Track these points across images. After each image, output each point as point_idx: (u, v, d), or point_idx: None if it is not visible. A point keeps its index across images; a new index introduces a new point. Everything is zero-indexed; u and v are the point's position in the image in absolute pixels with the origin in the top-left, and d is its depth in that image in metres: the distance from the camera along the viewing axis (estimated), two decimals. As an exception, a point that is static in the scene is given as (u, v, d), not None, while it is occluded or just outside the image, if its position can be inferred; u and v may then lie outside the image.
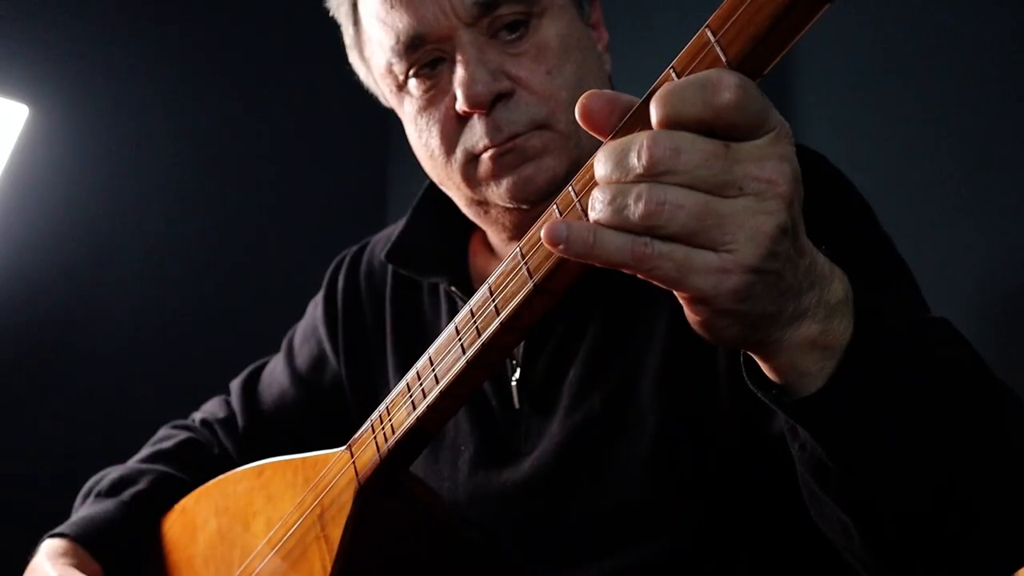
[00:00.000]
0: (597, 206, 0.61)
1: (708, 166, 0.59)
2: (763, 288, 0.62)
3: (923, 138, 1.93)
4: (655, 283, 0.62)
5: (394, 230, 1.28)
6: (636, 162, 0.60)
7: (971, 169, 1.86)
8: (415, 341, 1.23)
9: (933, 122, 1.91)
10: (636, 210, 0.59)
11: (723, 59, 0.59)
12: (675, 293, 0.63)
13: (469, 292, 1.17)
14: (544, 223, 0.63)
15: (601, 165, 0.62)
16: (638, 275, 0.62)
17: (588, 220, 0.62)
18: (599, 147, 1.10)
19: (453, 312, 1.19)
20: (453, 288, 1.17)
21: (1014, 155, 1.81)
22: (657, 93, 0.60)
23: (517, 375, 1.11)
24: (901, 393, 0.69)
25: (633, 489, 1.02)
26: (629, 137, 0.61)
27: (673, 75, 0.61)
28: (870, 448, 0.69)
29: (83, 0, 2.13)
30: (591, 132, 0.66)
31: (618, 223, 0.60)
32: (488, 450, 1.12)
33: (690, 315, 0.64)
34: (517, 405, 1.11)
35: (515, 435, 1.11)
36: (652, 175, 0.59)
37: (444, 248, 1.23)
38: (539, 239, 0.70)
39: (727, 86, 0.58)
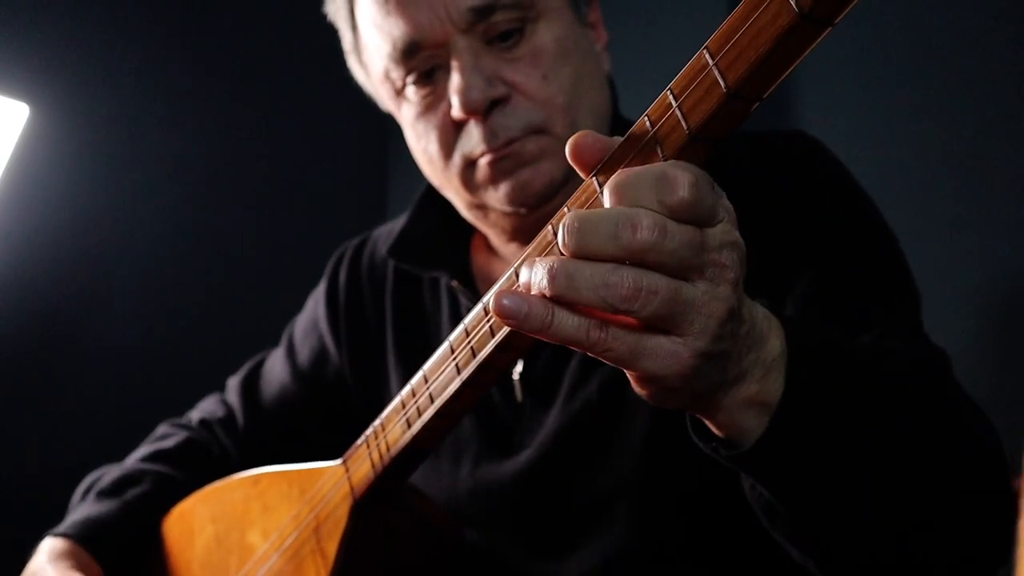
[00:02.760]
0: (562, 279, 0.59)
1: (688, 249, 0.59)
2: (710, 367, 0.63)
3: (923, 138, 1.92)
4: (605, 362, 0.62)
5: (396, 225, 1.28)
6: (622, 234, 0.58)
7: (971, 169, 1.86)
8: (416, 336, 1.23)
9: (933, 122, 1.91)
10: (611, 291, 0.58)
11: (721, 83, 0.58)
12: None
13: (470, 287, 1.17)
14: (498, 289, 0.63)
15: (575, 233, 0.60)
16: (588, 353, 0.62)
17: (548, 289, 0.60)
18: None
19: (454, 307, 1.19)
20: (454, 283, 1.17)
21: (1014, 155, 1.80)
22: (611, 181, 0.59)
23: (520, 368, 1.11)
24: (838, 437, 0.70)
25: (630, 473, 1.02)
26: (614, 209, 0.59)
27: (671, 97, 0.60)
28: (813, 491, 0.71)
29: (83, 0, 2.12)
30: (581, 170, 0.66)
31: (584, 301, 0.59)
32: (490, 445, 1.12)
33: (636, 387, 0.65)
34: (520, 399, 1.11)
35: (517, 428, 1.11)
36: (633, 251, 0.58)
37: (446, 243, 1.23)
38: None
39: (681, 184, 0.58)
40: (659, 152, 0.60)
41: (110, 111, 2.15)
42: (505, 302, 0.61)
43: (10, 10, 1.97)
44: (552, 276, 0.60)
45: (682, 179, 0.58)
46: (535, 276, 0.61)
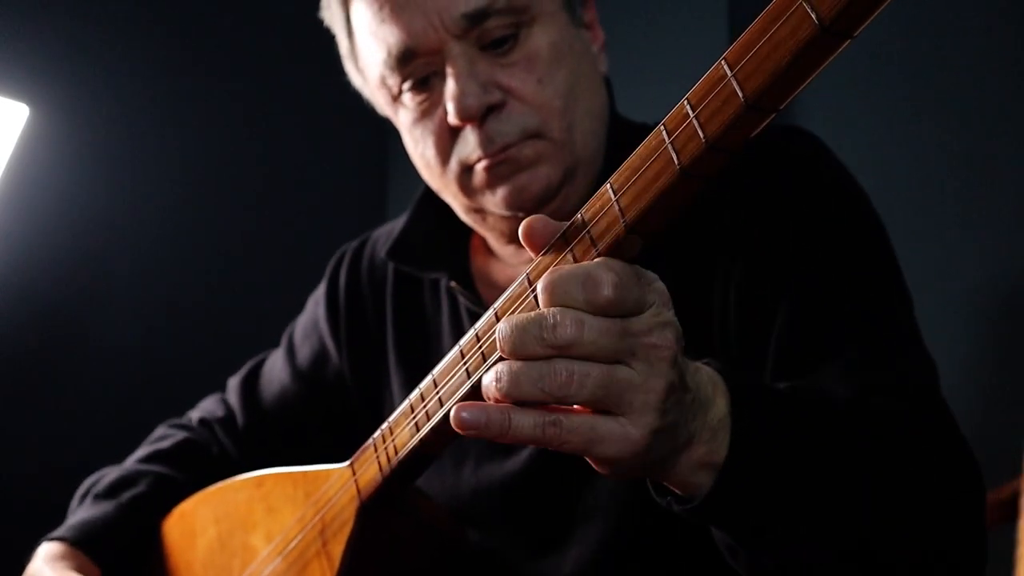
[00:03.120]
0: (505, 380, 0.65)
1: (607, 338, 0.64)
2: (661, 440, 0.67)
3: (923, 138, 1.92)
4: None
5: (395, 226, 1.28)
6: (545, 335, 0.64)
7: (971, 169, 1.86)
8: (416, 337, 1.23)
9: (933, 122, 1.91)
10: (548, 382, 0.64)
11: (739, 95, 0.58)
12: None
13: (470, 288, 1.18)
14: (458, 404, 0.68)
15: (508, 339, 0.66)
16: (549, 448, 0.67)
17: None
18: (591, 162, 1.10)
19: (454, 308, 1.19)
20: (453, 283, 1.17)
21: (1014, 155, 1.81)
22: (542, 280, 0.66)
23: None
24: (787, 488, 0.74)
25: None
26: (536, 313, 0.65)
27: (688, 108, 0.60)
28: (766, 537, 0.76)
29: (83, 0, 2.12)
30: (531, 250, 0.72)
31: (529, 396, 0.65)
32: (492, 445, 1.12)
33: (596, 468, 0.70)
34: None
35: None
36: (558, 347, 0.64)
37: (445, 244, 1.23)
38: (546, 267, 0.70)
39: (605, 284, 0.64)
40: (676, 162, 0.61)
41: (110, 111, 2.15)
42: (464, 415, 0.67)
43: (10, 10, 1.97)
44: (497, 379, 0.66)
45: (605, 279, 0.64)
46: (485, 381, 0.67)
